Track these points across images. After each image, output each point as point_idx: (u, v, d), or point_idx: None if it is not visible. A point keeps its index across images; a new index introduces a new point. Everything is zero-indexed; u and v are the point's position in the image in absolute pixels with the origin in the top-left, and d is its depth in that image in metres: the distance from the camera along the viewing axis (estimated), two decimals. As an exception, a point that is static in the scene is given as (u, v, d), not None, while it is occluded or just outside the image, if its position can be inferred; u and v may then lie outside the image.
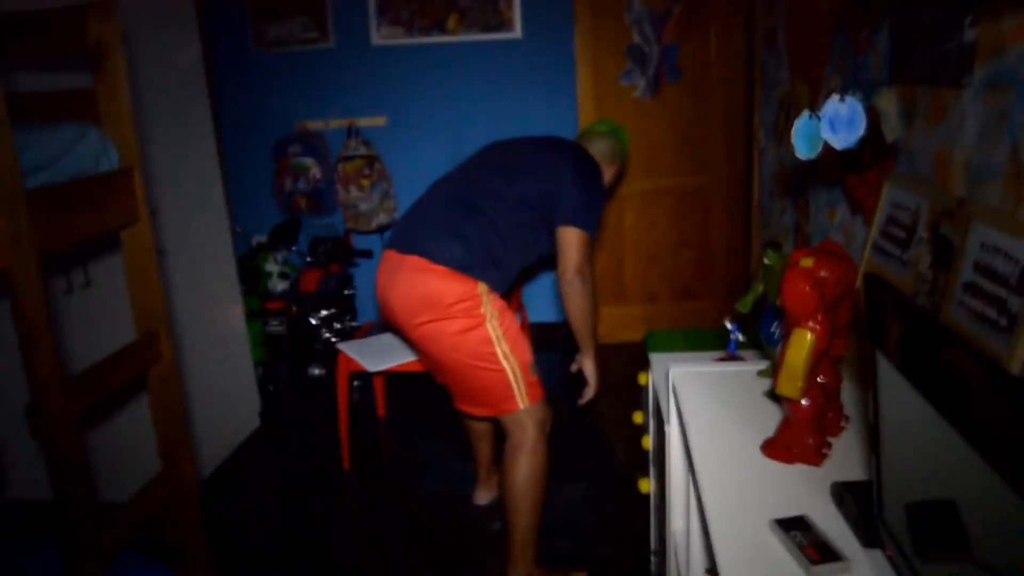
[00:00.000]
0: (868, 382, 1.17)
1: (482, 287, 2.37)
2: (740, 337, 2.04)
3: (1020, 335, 1.25)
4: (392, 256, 2.43)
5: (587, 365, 2.63)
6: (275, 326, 4.14)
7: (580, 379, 2.67)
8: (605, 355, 2.80)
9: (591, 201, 2.50)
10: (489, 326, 2.36)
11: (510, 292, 2.85)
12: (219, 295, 3.58)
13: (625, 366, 4.00)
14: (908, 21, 1.76)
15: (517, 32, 4.47)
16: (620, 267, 4.68)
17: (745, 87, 4.23)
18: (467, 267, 2.34)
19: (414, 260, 2.35)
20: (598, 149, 2.69)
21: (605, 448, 3.56)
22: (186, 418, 2.20)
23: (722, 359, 2.07)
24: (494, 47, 4.51)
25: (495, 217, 2.41)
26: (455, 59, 4.54)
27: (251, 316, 4.11)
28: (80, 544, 1.68)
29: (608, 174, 2.72)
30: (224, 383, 3.57)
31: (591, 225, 2.47)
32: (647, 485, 2.49)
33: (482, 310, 2.35)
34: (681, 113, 4.51)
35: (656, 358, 2.34)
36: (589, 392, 2.67)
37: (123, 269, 2.05)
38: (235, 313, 3.69)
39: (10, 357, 1.76)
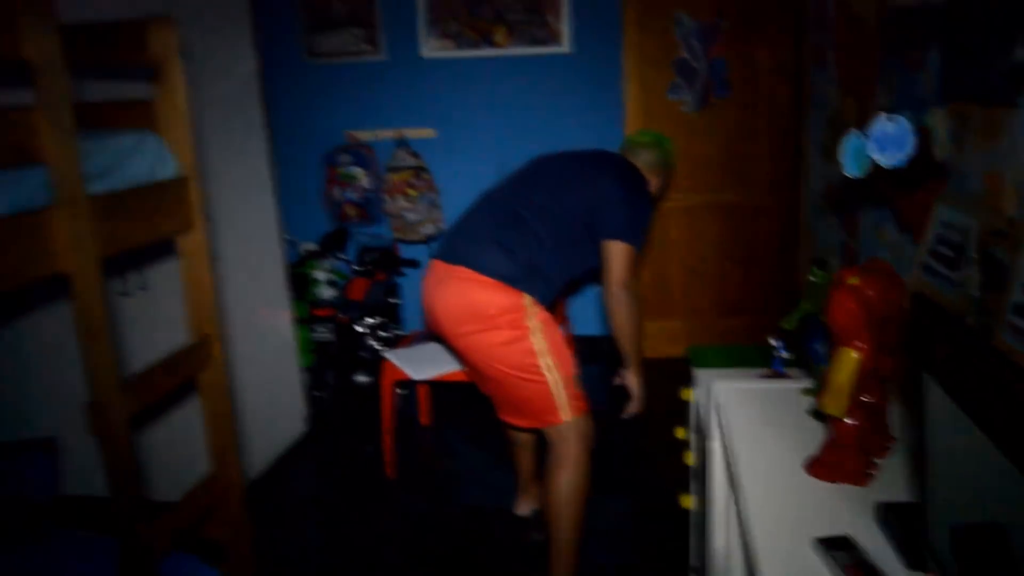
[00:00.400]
0: (914, 403, 1.16)
1: (527, 299, 2.39)
2: (785, 354, 2.03)
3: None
4: (439, 266, 2.47)
5: (631, 379, 2.63)
6: (323, 333, 4.20)
7: (624, 393, 2.67)
8: (648, 369, 2.78)
9: (636, 215, 2.51)
10: (534, 338, 2.38)
11: (555, 305, 2.86)
12: (269, 301, 3.65)
13: (668, 381, 3.98)
14: (959, 39, 1.75)
15: (565, 46, 4.49)
16: (665, 281, 4.67)
17: (793, 103, 4.20)
18: (513, 279, 2.36)
19: (461, 271, 2.38)
20: (643, 160, 2.70)
21: (648, 463, 3.55)
22: (235, 421, 2.24)
23: (767, 376, 2.06)
24: (542, 60, 4.54)
25: (541, 230, 2.43)
26: (503, 72, 4.58)
27: (300, 322, 4.18)
28: (133, 540, 1.73)
29: (654, 185, 2.72)
30: (272, 388, 3.64)
31: (637, 239, 2.48)
32: (689, 501, 2.48)
33: (527, 322, 2.38)
34: (728, 128, 4.49)
35: (700, 374, 2.34)
36: (634, 406, 2.66)
37: (177, 273, 2.10)
38: (284, 319, 3.76)
39: (71, 357, 1.81)
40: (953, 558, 1.10)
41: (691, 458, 2.44)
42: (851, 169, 1.26)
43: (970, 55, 1.69)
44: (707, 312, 4.68)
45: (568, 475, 2.46)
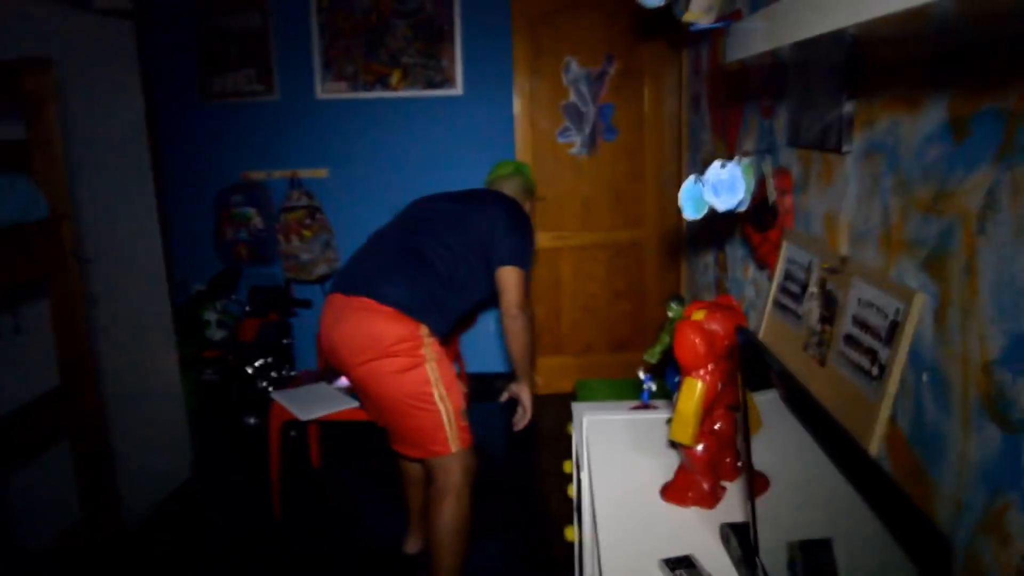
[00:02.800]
0: (742, 425, 1.25)
1: (424, 329, 2.47)
2: (653, 387, 2.13)
3: (887, 384, 1.35)
4: (338, 299, 2.52)
5: (524, 392, 2.74)
6: (210, 375, 4.14)
7: (511, 416, 2.77)
8: (540, 405, 2.87)
9: (524, 241, 2.67)
10: (428, 367, 2.45)
11: (448, 341, 2.94)
12: (154, 343, 3.58)
13: (558, 416, 4.06)
14: (801, 93, 1.90)
15: (458, 89, 4.60)
16: (557, 318, 4.78)
17: (677, 146, 4.39)
18: (411, 309, 2.44)
19: (361, 301, 2.45)
20: (510, 189, 2.90)
21: (537, 498, 3.60)
22: (110, 466, 2.20)
23: (636, 408, 2.14)
24: (436, 103, 4.63)
25: (438, 264, 2.54)
26: (397, 114, 4.65)
27: (187, 364, 4.11)
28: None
29: (526, 208, 2.88)
30: (155, 432, 3.55)
31: (527, 262, 2.66)
32: (572, 533, 2.54)
33: (423, 351, 2.45)
34: (616, 170, 4.65)
35: (576, 407, 2.41)
36: (526, 417, 2.76)
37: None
38: (169, 362, 3.69)
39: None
40: (787, 572, 1.18)
41: (572, 490, 2.51)
42: (689, 212, 1.35)
43: (809, 106, 1.84)
44: (597, 348, 4.80)
45: (450, 506, 2.50)
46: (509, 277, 2.60)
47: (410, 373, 2.43)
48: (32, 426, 1.86)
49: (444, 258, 2.56)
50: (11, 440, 1.79)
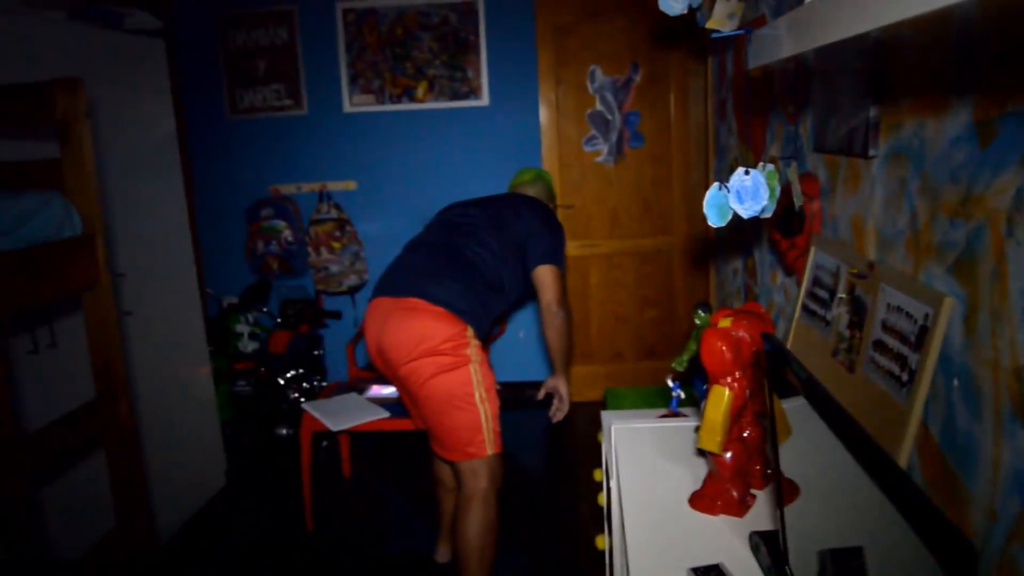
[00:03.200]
0: (770, 433, 1.25)
1: (470, 331, 2.52)
2: (681, 395, 2.12)
3: (917, 390, 1.34)
4: (383, 302, 2.56)
5: (561, 384, 2.79)
6: (242, 387, 4.18)
7: (543, 419, 2.80)
8: (569, 413, 2.88)
9: (556, 240, 2.78)
10: (472, 368, 2.49)
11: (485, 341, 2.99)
12: (187, 356, 3.62)
13: (589, 425, 4.06)
14: (826, 98, 1.89)
15: (484, 99, 4.62)
16: (586, 327, 4.77)
17: (704, 153, 4.38)
18: (460, 310, 2.49)
19: (411, 301, 2.49)
20: (534, 194, 3.01)
21: (568, 507, 3.59)
22: (143, 476, 2.23)
23: (664, 416, 2.14)
24: (462, 114, 4.66)
25: (480, 265, 2.60)
26: (424, 125, 4.68)
27: (220, 376, 4.15)
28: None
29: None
30: (189, 443, 3.60)
31: (561, 261, 2.77)
32: (602, 542, 2.53)
33: (468, 351, 2.49)
34: (643, 177, 4.65)
35: (606, 415, 2.41)
36: (564, 408, 2.80)
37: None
38: (202, 374, 3.74)
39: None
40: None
41: (602, 499, 2.50)
42: (713, 219, 1.35)
43: (835, 111, 1.83)
44: (626, 356, 4.79)
45: (477, 511, 2.52)
46: (546, 275, 2.69)
47: (454, 373, 2.46)
48: (67, 437, 1.90)
49: (485, 259, 2.62)
50: (47, 451, 1.82)
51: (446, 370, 2.46)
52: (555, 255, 2.74)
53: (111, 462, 2.09)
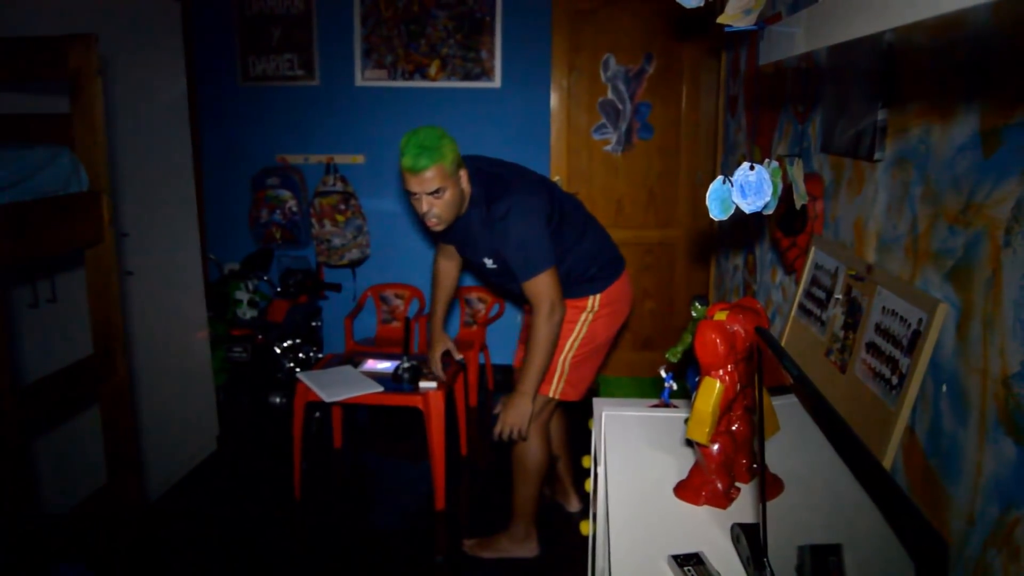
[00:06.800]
0: (757, 427, 1.26)
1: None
2: (674, 386, 2.13)
3: (906, 393, 1.35)
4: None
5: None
6: (239, 353, 4.20)
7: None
8: (564, 401, 2.89)
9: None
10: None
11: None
12: (185, 319, 3.64)
13: (580, 412, 4.07)
14: (836, 99, 1.90)
15: (497, 82, 4.61)
16: (584, 315, 4.77)
17: (712, 147, 4.38)
18: None
19: None
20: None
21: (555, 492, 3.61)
22: (136, 435, 2.25)
23: (655, 406, 2.15)
24: (473, 94, 4.65)
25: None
26: (435, 104, 4.67)
27: (217, 342, 4.17)
28: (15, 548, 1.74)
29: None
30: (183, 405, 3.62)
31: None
32: (587, 527, 2.55)
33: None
34: (650, 169, 4.64)
35: (597, 402, 2.42)
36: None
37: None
38: (200, 338, 3.75)
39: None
40: (795, 575, 1.19)
41: (589, 485, 2.52)
42: (715, 212, 1.36)
43: (843, 113, 1.83)
44: (622, 345, 4.80)
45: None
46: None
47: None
48: (63, 392, 1.91)
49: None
50: (42, 403, 1.84)
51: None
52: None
53: (105, 419, 2.11)
